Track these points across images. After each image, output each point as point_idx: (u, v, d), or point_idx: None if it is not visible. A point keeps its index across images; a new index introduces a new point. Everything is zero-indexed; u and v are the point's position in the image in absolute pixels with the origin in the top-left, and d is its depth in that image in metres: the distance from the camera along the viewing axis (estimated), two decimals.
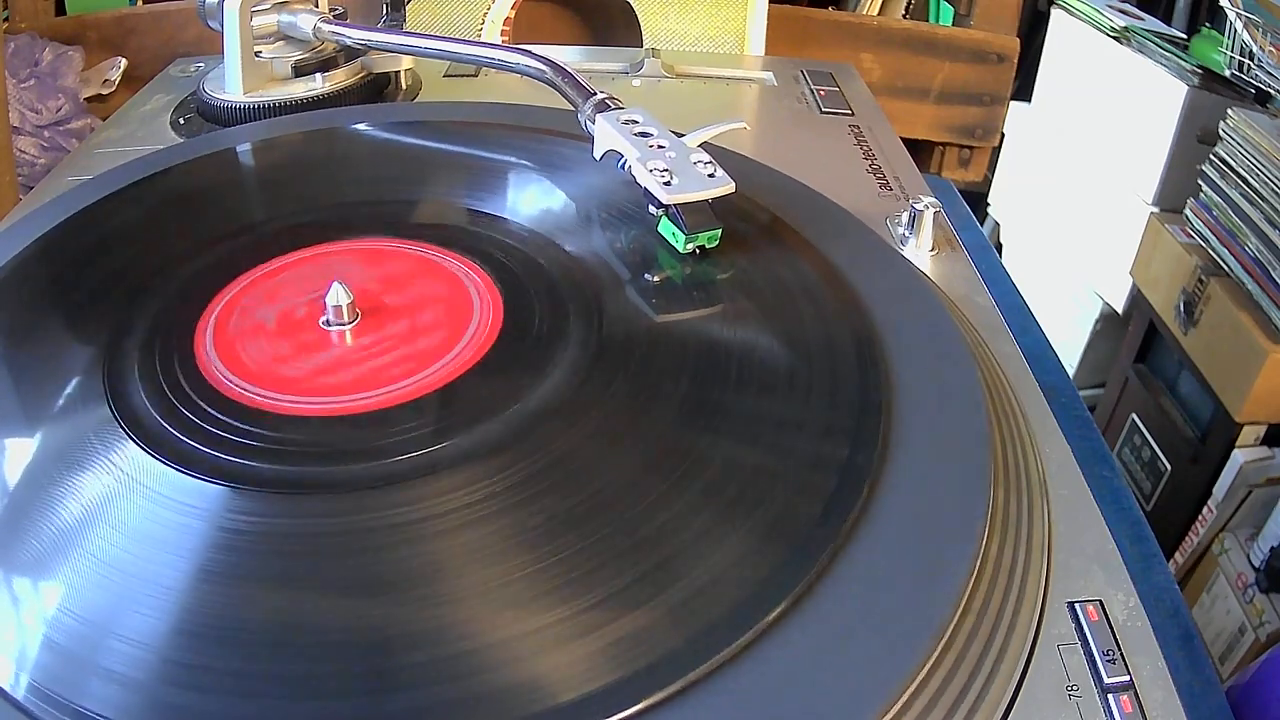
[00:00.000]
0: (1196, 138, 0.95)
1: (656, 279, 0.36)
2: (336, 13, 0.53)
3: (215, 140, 0.47)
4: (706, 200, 0.36)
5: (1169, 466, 0.96)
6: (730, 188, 0.36)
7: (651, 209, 0.37)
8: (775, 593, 0.24)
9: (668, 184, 0.35)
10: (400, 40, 0.50)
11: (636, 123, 0.39)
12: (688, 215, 0.36)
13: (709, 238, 0.36)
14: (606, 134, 0.39)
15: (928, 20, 0.92)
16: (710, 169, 0.37)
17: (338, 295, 0.33)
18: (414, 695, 0.22)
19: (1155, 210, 0.99)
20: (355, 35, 0.51)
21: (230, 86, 0.51)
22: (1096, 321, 1.16)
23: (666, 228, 0.37)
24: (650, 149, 0.37)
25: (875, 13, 0.90)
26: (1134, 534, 0.41)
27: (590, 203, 0.40)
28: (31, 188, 0.50)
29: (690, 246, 0.36)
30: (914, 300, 0.35)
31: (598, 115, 0.39)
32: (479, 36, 0.74)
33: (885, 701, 0.22)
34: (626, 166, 0.37)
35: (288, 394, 0.30)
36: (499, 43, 0.74)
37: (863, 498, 0.26)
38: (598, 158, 0.39)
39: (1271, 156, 0.80)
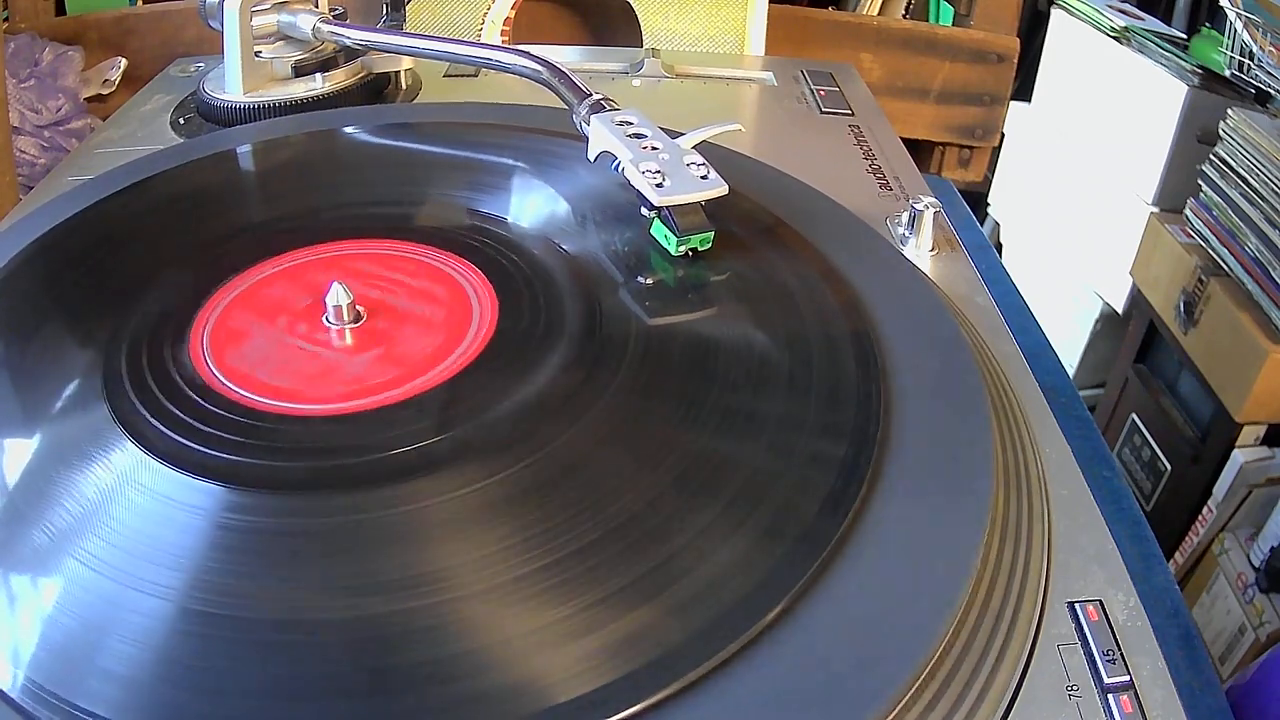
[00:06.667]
0: (1196, 138, 0.95)
1: (650, 281, 0.36)
2: (336, 13, 0.53)
3: (215, 141, 0.47)
4: (699, 202, 0.36)
5: (1169, 466, 0.95)
6: (723, 190, 0.36)
7: (644, 211, 0.37)
8: (775, 592, 0.24)
9: (660, 186, 0.35)
10: (399, 41, 0.50)
11: (631, 124, 0.39)
12: (680, 217, 0.35)
13: (702, 240, 0.36)
14: (601, 135, 0.38)
15: (928, 20, 0.92)
16: (703, 171, 0.36)
17: (338, 295, 0.33)
18: (414, 695, 0.22)
19: (1155, 210, 0.99)
20: (355, 35, 0.51)
21: (230, 86, 0.51)
22: (1096, 321, 1.16)
23: (659, 230, 0.36)
24: (643, 151, 0.37)
25: (875, 13, 0.90)
26: (1134, 534, 0.41)
27: (588, 204, 0.40)
28: (31, 188, 0.50)
29: (682, 249, 0.36)
30: (914, 300, 0.35)
31: (592, 116, 0.39)
32: (479, 36, 0.74)
33: (886, 701, 0.22)
34: (620, 168, 0.37)
35: (287, 394, 0.30)
36: (498, 43, 0.74)
37: (862, 497, 0.26)
38: (592, 159, 0.39)
39: (1271, 156, 0.80)
